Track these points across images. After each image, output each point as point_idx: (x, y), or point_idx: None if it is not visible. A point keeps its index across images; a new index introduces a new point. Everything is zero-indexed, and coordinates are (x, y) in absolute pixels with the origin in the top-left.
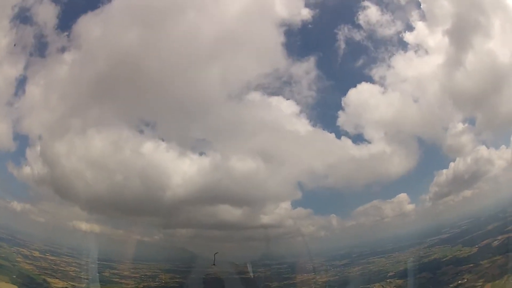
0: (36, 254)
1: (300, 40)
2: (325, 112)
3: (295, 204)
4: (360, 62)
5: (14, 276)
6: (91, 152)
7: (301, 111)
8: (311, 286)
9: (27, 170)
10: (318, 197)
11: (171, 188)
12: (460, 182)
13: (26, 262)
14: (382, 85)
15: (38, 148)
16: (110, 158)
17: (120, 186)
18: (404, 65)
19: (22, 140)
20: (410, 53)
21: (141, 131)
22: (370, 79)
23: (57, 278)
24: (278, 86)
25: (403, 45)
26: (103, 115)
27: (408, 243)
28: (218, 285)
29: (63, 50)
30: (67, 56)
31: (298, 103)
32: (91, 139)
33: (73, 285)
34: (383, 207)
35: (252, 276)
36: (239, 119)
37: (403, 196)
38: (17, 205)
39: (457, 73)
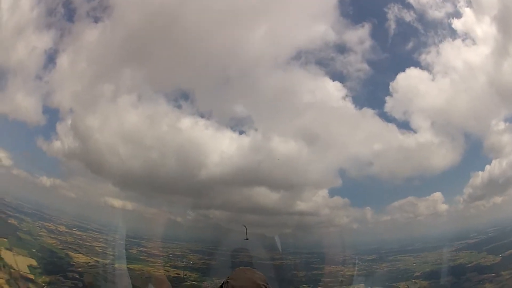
0: (62, 228)
1: (353, 10)
2: (373, 96)
3: (333, 192)
4: (409, 45)
5: (34, 250)
6: (125, 126)
7: (348, 93)
8: (338, 279)
9: (57, 144)
10: (358, 186)
11: (208, 167)
12: (494, 186)
13: (50, 236)
14: (430, 71)
15: (69, 122)
16: (146, 133)
17: (155, 162)
18: (452, 53)
19: (52, 114)
20: (458, 41)
21: (179, 106)
22: (419, 64)
23: (80, 253)
24: (327, 58)
25: (452, 32)
26: (139, 86)
27: (437, 244)
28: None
29: (95, 18)
30: (99, 23)
31: (345, 82)
32: (126, 112)
33: (97, 261)
34: (418, 204)
35: (281, 250)
36: (283, 93)
37: (437, 195)
38: (46, 180)
39: (504, 65)
